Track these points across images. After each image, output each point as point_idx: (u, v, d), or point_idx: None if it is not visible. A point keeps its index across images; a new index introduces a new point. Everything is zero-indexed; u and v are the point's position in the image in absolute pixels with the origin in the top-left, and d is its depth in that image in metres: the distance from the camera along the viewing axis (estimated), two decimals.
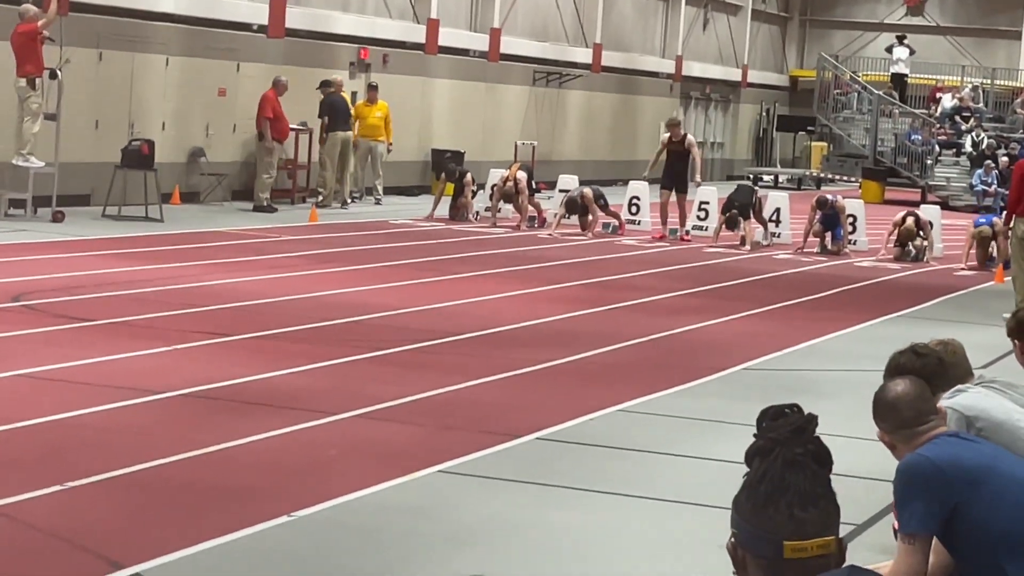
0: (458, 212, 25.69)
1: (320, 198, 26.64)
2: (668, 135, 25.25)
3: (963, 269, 22.53)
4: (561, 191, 26.89)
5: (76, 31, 22.46)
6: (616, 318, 15.66)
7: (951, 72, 46.30)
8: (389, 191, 28.92)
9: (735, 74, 46.99)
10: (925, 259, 23.63)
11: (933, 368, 6.03)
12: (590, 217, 24.85)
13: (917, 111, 41.82)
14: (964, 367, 6.46)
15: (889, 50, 44.47)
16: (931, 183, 39.22)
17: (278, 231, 22.33)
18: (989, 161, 38.10)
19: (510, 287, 17.55)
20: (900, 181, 39.86)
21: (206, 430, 9.37)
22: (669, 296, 17.76)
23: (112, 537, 7.22)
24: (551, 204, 26.70)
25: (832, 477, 3.06)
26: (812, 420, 3.08)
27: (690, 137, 25.77)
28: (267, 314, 14.22)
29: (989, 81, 45.67)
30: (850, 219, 24.71)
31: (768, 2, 50.18)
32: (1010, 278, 17.66)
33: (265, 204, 25.19)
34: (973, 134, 40.52)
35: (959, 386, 6.21)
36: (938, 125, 41.29)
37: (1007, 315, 8.73)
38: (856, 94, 43.26)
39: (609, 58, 38.99)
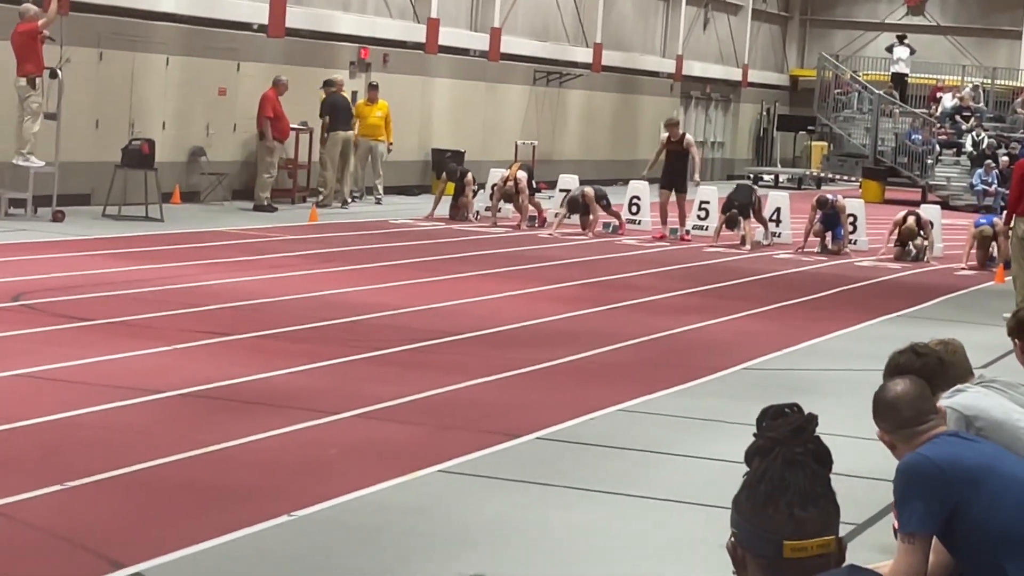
0: (458, 212, 25.69)
1: (320, 197, 26.64)
2: (667, 135, 25.26)
3: (963, 269, 22.53)
4: (561, 191, 26.89)
5: (76, 30, 22.47)
6: (616, 318, 15.66)
7: (951, 72, 46.29)
8: (389, 191, 28.92)
9: (735, 74, 46.99)
10: (925, 259, 23.63)
11: (933, 368, 6.02)
12: (591, 217, 24.85)
13: (917, 111, 41.82)
14: (964, 367, 6.46)
15: (889, 50, 44.47)
16: (931, 183, 39.22)
17: (278, 231, 22.33)
18: (989, 161, 38.11)
19: (510, 287, 17.54)
20: (900, 181, 39.87)
21: (206, 430, 9.37)
22: (669, 296, 17.76)
23: (112, 537, 7.21)
24: (551, 204, 26.70)
25: (832, 476, 3.06)
26: (812, 419, 3.08)
27: (689, 137, 25.81)
28: (267, 314, 14.21)
29: (989, 81, 45.66)
30: (850, 219, 24.71)
31: (768, 2, 50.18)
32: (1010, 278, 17.66)
33: (265, 204, 25.20)
34: (973, 134, 40.52)
35: (958, 386, 6.20)
36: (938, 125, 41.29)
37: (1007, 315, 8.73)
38: (856, 94, 43.25)
39: (609, 58, 38.99)
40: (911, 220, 23.83)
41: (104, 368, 11.16)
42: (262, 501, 7.91)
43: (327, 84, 27.01)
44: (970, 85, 44.36)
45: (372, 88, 28.46)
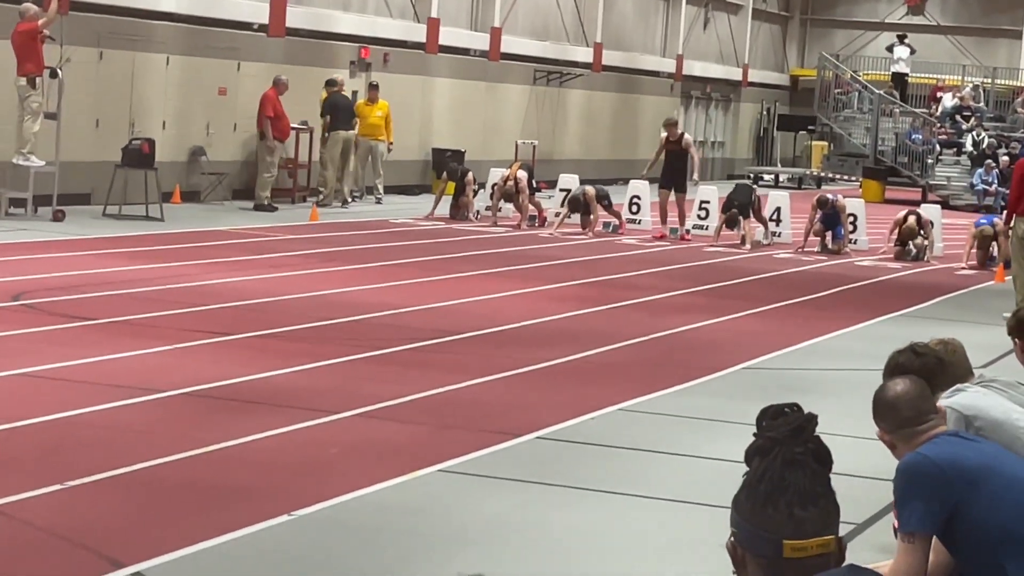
0: (459, 211, 25.69)
1: (321, 197, 26.65)
2: (665, 135, 25.27)
3: (964, 268, 22.53)
4: (561, 190, 26.90)
5: (76, 30, 22.47)
6: (616, 317, 15.66)
7: (952, 71, 46.28)
8: (390, 190, 28.93)
9: (736, 73, 46.99)
10: (925, 258, 23.63)
11: (932, 367, 6.02)
12: (591, 216, 24.85)
13: (918, 110, 41.82)
14: (964, 366, 6.46)
15: (890, 49, 44.47)
16: (932, 182, 39.22)
17: (279, 230, 22.33)
18: (990, 160, 38.11)
19: (510, 286, 17.54)
20: (901, 180, 39.87)
21: (206, 429, 9.37)
22: (669, 295, 17.76)
23: (112, 536, 7.22)
24: (551, 203, 26.70)
25: (832, 476, 3.06)
26: (812, 419, 3.08)
27: (687, 136, 25.84)
28: (268, 313, 14.21)
29: (990, 80, 45.65)
30: (851, 218, 24.71)
31: (769, 1, 50.17)
32: (1010, 277, 17.66)
33: (266, 203, 25.20)
34: (974, 133, 40.52)
35: (958, 385, 6.20)
36: (939, 124, 41.29)
37: (1007, 314, 8.72)
38: (857, 93, 43.25)
39: (610, 57, 38.99)
40: (911, 220, 23.84)
41: (104, 367, 11.16)
42: (262, 501, 7.91)
43: (329, 84, 27.03)
44: (970, 85, 44.36)
45: (372, 88, 28.46)
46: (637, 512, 8.24)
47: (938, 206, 28.13)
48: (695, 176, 25.76)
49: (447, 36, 32.08)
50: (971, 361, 6.59)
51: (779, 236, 25.35)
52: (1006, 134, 41.34)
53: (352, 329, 13.70)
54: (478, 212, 25.98)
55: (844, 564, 3.03)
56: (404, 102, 29.94)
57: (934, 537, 4.92)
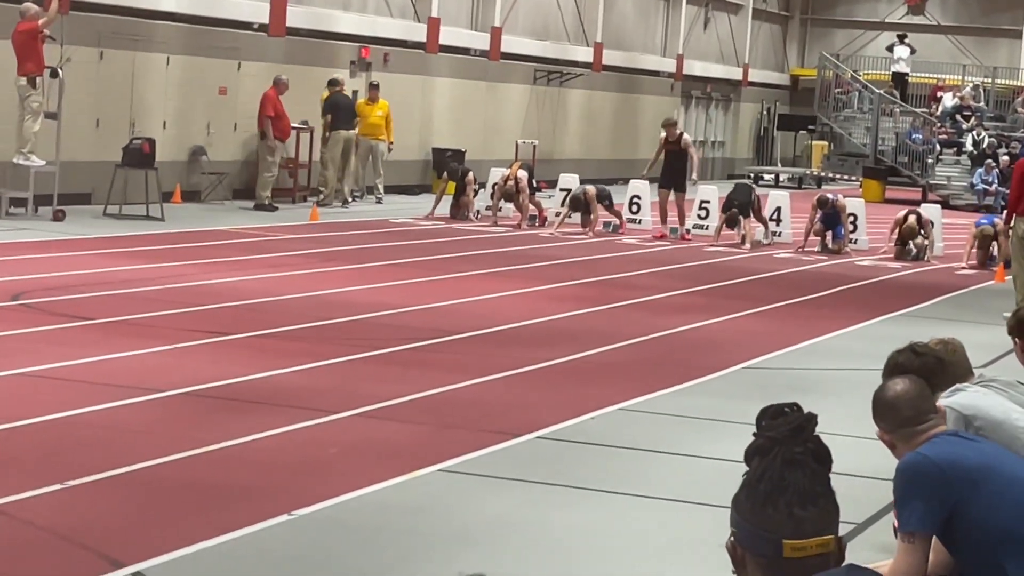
0: (459, 211, 25.69)
1: (321, 197, 26.65)
2: (665, 135, 25.27)
3: (964, 268, 22.53)
4: (562, 190, 26.90)
5: (77, 30, 22.47)
6: (616, 317, 15.66)
7: (952, 71, 46.29)
8: (390, 190, 28.93)
9: (736, 73, 46.99)
10: (925, 258, 23.63)
11: (932, 367, 6.02)
12: (591, 215, 24.85)
13: (918, 110, 41.82)
14: (964, 366, 6.45)
15: (890, 49, 44.47)
16: (932, 182, 39.22)
17: (279, 230, 22.33)
18: (990, 160, 38.10)
19: (511, 286, 17.54)
20: (901, 180, 39.87)
21: (206, 429, 9.37)
22: (669, 295, 17.76)
23: (112, 536, 7.22)
24: (551, 203, 26.70)
25: (832, 476, 3.06)
26: (811, 419, 3.08)
27: (686, 136, 25.85)
28: (268, 313, 14.21)
29: (990, 80, 45.65)
30: (851, 218, 24.71)
31: (769, 1, 50.17)
32: (1010, 277, 17.66)
33: (266, 203, 25.20)
34: (974, 133, 40.51)
35: (957, 385, 6.20)
36: (939, 124, 41.28)
37: (1007, 314, 8.72)
38: (857, 93, 43.24)
39: (610, 57, 38.99)
40: (911, 219, 23.84)
41: (104, 367, 11.16)
42: (262, 501, 7.91)
43: (331, 83, 27.04)
44: (970, 84, 44.37)
45: (373, 87, 28.46)
46: (638, 512, 8.24)
47: (938, 206, 28.12)
48: (694, 176, 25.74)
49: (447, 36, 32.08)
50: (971, 361, 6.58)
51: (779, 236, 25.35)
52: (1006, 134, 41.34)
53: (352, 329, 13.70)
54: (478, 212, 25.98)
55: (844, 564, 3.03)
56: (404, 102, 29.95)
57: (934, 537, 4.91)
